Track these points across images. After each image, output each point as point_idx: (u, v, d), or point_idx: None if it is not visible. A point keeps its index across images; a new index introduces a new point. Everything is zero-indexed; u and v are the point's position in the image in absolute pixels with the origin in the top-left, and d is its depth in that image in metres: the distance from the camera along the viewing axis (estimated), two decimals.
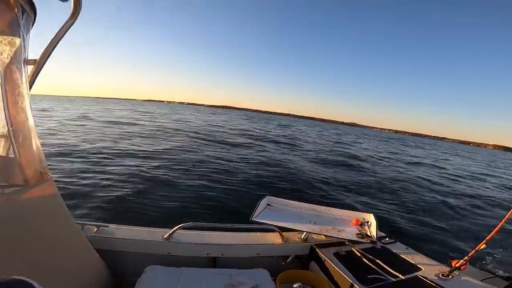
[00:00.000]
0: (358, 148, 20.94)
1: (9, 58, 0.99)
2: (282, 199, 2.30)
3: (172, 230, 1.74)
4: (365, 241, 1.87)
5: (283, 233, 1.93)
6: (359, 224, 2.06)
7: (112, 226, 1.77)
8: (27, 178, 1.10)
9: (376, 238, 1.87)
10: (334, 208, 2.26)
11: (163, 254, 1.69)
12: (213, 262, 1.80)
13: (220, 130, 20.21)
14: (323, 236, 1.98)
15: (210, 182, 5.98)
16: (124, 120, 21.10)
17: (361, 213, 2.21)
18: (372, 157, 16.06)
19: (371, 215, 2.11)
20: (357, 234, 1.93)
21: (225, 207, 4.67)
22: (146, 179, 5.79)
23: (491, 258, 4.05)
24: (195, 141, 12.62)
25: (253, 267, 1.55)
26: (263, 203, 2.18)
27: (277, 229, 1.90)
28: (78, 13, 1.20)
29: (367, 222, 2.07)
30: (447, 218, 6.21)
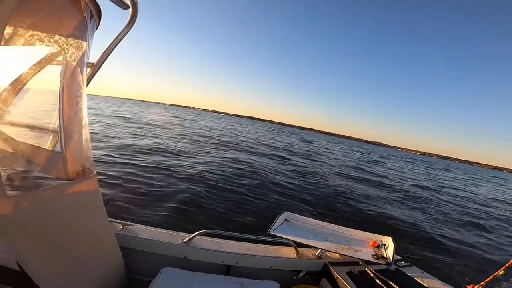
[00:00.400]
0: (384, 167, 20.18)
1: (76, 60, 1.06)
2: (300, 216, 2.33)
3: (192, 235, 1.79)
4: (380, 262, 1.86)
5: (298, 249, 1.95)
6: (376, 246, 2.05)
7: (136, 226, 1.83)
8: (72, 173, 1.16)
9: (392, 261, 1.86)
10: (351, 229, 2.26)
11: (180, 257, 1.73)
12: (227, 270, 1.83)
13: (244, 140, 20.42)
14: (337, 254, 1.98)
15: (233, 190, 6.05)
16: (157, 123, 22.31)
17: (379, 235, 2.19)
18: (399, 177, 15.48)
19: (390, 238, 2.11)
20: (372, 255, 1.93)
21: (245, 216, 4.69)
22: (171, 180, 5.98)
23: (508, 285, 3.86)
24: (221, 149, 12.90)
25: (265, 278, 1.57)
26: (281, 217, 2.23)
27: (293, 243, 1.92)
28: (134, 22, 1.27)
29: (384, 244, 2.06)
30: (470, 241, 5.96)
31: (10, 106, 1.35)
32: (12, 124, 1.37)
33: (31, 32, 0.87)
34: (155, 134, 14.12)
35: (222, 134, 22.03)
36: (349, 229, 2.26)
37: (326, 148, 31.01)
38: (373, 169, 17.08)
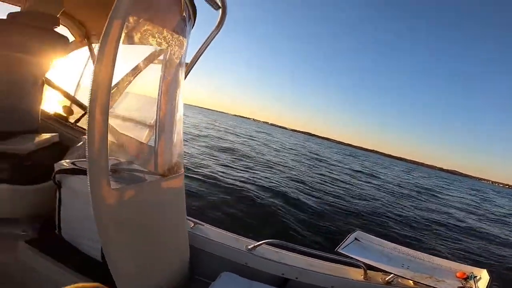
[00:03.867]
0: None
1: (177, 58, 1.11)
2: (373, 236, 2.18)
3: (258, 243, 1.76)
4: None
5: (367, 271, 1.78)
6: (465, 278, 1.76)
7: (206, 226, 1.88)
8: (161, 168, 1.20)
9: None
10: (435, 257, 1.98)
11: (241, 264, 1.71)
12: (285, 283, 1.76)
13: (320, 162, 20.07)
14: (411, 282, 1.75)
15: (305, 204, 6.03)
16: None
17: (470, 266, 1.89)
18: None
19: (484, 270, 1.80)
20: (459, 287, 1.68)
21: (314, 230, 4.58)
22: (251, 189, 6.15)
23: None
24: (296, 163, 13.11)
25: None
26: (352, 236, 2.11)
27: (362, 265, 1.76)
28: (223, 23, 1.30)
29: (476, 276, 1.78)
30: None
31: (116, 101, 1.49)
32: (116, 116, 1.52)
33: (145, 27, 0.93)
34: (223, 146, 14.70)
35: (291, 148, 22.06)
36: (432, 256, 2.00)
37: (412, 178, 27.66)
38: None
